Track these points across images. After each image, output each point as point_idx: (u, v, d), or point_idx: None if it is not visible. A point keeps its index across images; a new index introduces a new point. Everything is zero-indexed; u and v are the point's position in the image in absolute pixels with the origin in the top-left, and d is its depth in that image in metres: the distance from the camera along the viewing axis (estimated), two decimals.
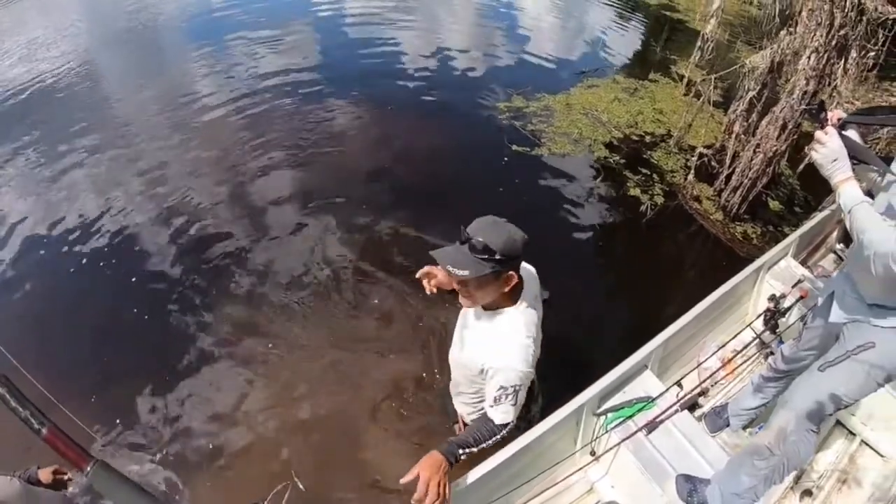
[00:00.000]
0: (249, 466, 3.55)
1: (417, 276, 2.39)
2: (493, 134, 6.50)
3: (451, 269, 1.91)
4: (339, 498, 3.38)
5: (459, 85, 7.78)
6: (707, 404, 3.31)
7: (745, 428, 3.11)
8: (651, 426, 2.63)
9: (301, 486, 3.29)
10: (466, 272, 1.89)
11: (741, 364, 3.47)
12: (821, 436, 2.98)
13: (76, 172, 6.24)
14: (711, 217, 5.49)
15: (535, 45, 9.03)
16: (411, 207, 5.40)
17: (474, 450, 2.08)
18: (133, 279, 4.77)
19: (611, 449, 2.66)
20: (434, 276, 2.37)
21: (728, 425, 3.11)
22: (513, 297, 2.07)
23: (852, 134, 2.05)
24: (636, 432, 2.59)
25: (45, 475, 2.73)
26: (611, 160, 6.11)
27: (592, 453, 2.72)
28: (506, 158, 6.09)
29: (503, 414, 2.07)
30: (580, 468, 2.79)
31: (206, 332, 4.28)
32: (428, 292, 2.38)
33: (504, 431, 2.11)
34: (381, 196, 5.56)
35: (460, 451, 2.03)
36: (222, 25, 9.81)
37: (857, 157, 1.99)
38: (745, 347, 3.27)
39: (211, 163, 6.16)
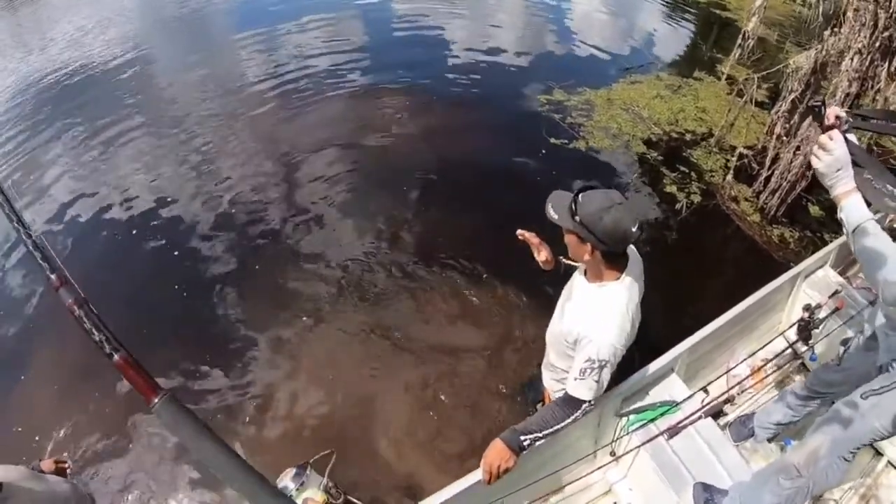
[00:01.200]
0: (298, 430, 3.78)
1: (518, 233, 2.43)
2: (531, 126, 6.52)
3: (549, 207, 2.05)
4: (379, 471, 3.54)
5: (502, 76, 7.83)
6: (733, 413, 3.25)
7: (770, 440, 3.02)
8: (673, 431, 2.55)
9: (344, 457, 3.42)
10: (556, 216, 2.02)
11: (771, 373, 3.40)
12: None
13: (125, 150, 6.61)
14: (749, 219, 5.38)
15: (581, 39, 8.96)
16: (448, 196, 5.56)
17: (539, 435, 2.08)
18: (197, 248, 5.17)
19: (631, 451, 2.62)
20: (541, 251, 2.45)
21: (753, 436, 3.04)
22: (618, 271, 2.08)
23: (853, 139, 1.77)
24: (657, 436, 2.54)
25: (46, 465, 3.04)
26: (648, 157, 6.04)
27: (612, 454, 2.69)
28: (543, 151, 6.09)
29: (585, 389, 2.04)
30: (599, 467, 2.74)
31: (269, 302, 4.60)
32: (541, 261, 2.46)
33: (578, 412, 2.08)
34: (419, 183, 5.73)
35: (522, 438, 2.07)
36: (270, 12, 10.08)
37: (860, 167, 1.72)
38: (776, 357, 3.17)
39: (260, 143, 6.49)
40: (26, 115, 7.70)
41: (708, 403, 2.64)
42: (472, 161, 6.04)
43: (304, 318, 4.44)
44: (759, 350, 3.19)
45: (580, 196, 1.96)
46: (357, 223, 5.27)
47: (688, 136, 6.39)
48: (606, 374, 2.02)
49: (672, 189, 5.61)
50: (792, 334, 3.26)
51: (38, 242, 1.10)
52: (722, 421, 3.13)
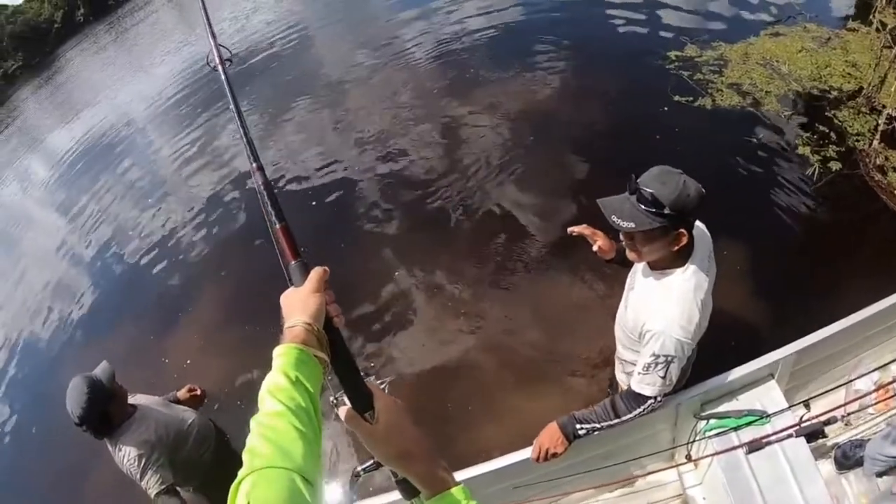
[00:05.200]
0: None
1: (569, 230, 2.37)
2: (656, 83, 6.35)
3: (615, 219, 1.82)
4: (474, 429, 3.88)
5: (632, 31, 7.76)
6: (836, 436, 2.80)
7: (879, 475, 2.52)
8: (755, 445, 2.17)
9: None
10: (631, 224, 1.78)
11: None
12: None
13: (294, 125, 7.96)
14: None
15: None
16: (565, 152, 5.86)
17: (597, 426, 2.06)
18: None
19: (705, 457, 2.44)
20: (596, 240, 2.32)
21: (859, 465, 2.61)
22: (682, 257, 1.94)
23: None
24: (735, 448, 2.26)
25: (181, 393, 3.70)
26: (781, 115, 5.61)
27: (688, 457, 2.49)
28: (665, 108, 5.93)
29: (648, 386, 1.97)
30: (672, 466, 2.66)
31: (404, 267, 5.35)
32: (595, 249, 2.36)
33: (641, 408, 2.02)
34: (542, 141, 6.19)
35: (578, 426, 2.08)
36: None
37: None
38: None
39: (415, 113, 7.64)
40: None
41: (806, 421, 2.15)
42: (590, 120, 6.25)
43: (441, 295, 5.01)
44: (892, 363, 2.59)
45: (644, 188, 1.77)
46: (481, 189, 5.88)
47: (832, 94, 5.83)
48: (674, 370, 1.94)
49: (804, 151, 5.14)
50: None
51: (247, 132, 1.44)
52: (816, 444, 2.42)
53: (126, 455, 2.96)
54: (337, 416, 1.08)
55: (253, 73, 11.62)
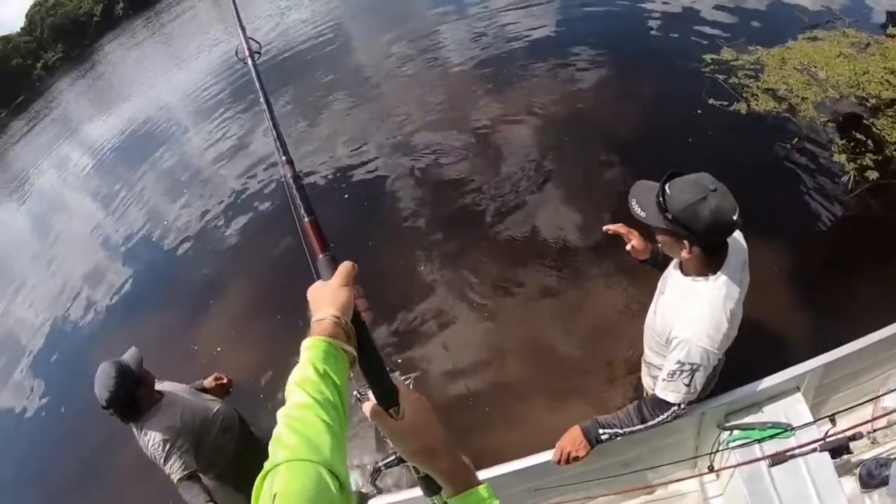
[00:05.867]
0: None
1: (605, 228, 2.38)
2: (691, 86, 6.30)
3: (633, 203, 1.86)
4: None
5: (669, 33, 7.73)
6: (861, 453, 2.69)
7: None
8: (778, 458, 2.14)
9: None
10: (643, 214, 1.83)
11: None
12: None
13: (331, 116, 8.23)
14: None
15: None
16: (596, 152, 5.90)
17: (619, 432, 2.06)
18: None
19: (727, 468, 2.39)
20: (630, 238, 2.34)
21: (884, 485, 2.49)
22: (714, 265, 1.91)
23: None
24: (759, 460, 2.22)
25: (208, 382, 3.75)
26: (817, 122, 5.50)
27: (711, 468, 2.45)
28: (699, 111, 5.87)
29: (672, 393, 1.96)
30: (693, 476, 2.62)
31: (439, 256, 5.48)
32: (628, 248, 2.37)
33: (665, 415, 2.01)
34: (575, 141, 6.23)
35: (601, 431, 2.08)
36: None
37: None
38: None
39: (450, 113, 7.70)
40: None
41: (832, 435, 2.11)
42: (622, 120, 6.19)
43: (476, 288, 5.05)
44: None
45: (668, 187, 1.77)
46: (524, 187, 5.88)
47: (871, 102, 5.70)
48: (699, 378, 1.92)
49: (840, 159, 5.03)
50: None
51: (277, 125, 1.43)
52: (841, 460, 2.31)
53: (151, 440, 3.02)
54: (359, 410, 1.09)
55: (286, 68, 11.88)
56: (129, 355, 3.13)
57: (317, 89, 10.26)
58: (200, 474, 3.09)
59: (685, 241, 1.81)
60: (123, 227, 9.83)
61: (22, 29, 74.93)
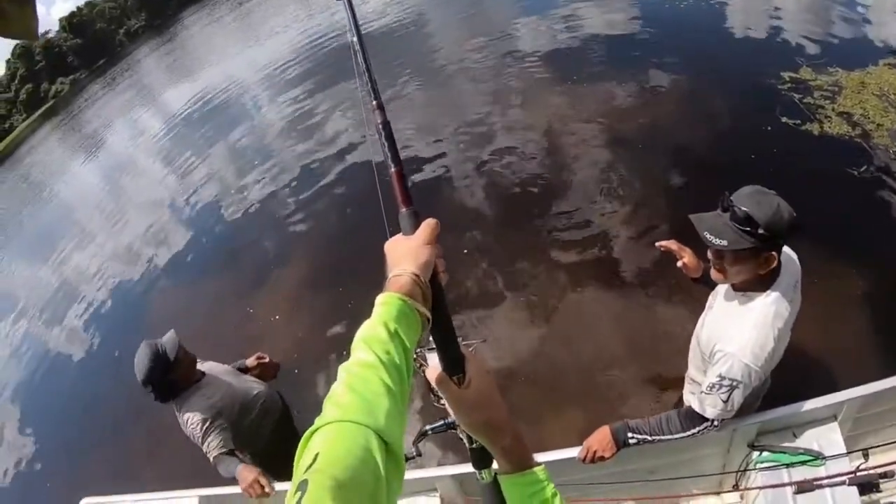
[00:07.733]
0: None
1: (657, 244, 2.37)
2: (765, 101, 6.14)
3: (708, 236, 1.80)
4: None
5: (749, 47, 7.56)
6: (891, 494, 2.46)
7: None
8: (805, 486, 2.07)
9: None
10: (724, 242, 1.77)
11: None
12: None
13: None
14: None
15: (848, 13, 7.95)
16: (661, 164, 5.81)
17: (648, 438, 2.05)
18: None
19: (752, 489, 2.33)
20: (682, 255, 2.31)
21: None
22: (767, 282, 1.88)
23: None
24: (784, 485, 2.14)
25: (250, 361, 3.86)
26: (891, 150, 5.32)
27: (735, 486, 2.42)
28: (769, 127, 5.74)
29: (709, 407, 1.93)
30: (717, 492, 2.58)
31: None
32: (680, 265, 2.35)
33: (697, 429, 1.99)
34: (643, 151, 6.12)
35: (630, 435, 2.08)
36: None
37: None
38: None
39: (522, 117, 7.65)
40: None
41: (863, 471, 2.06)
42: (691, 132, 6.19)
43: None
44: None
45: (736, 206, 1.74)
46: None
47: None
48: (738, 396, 1.89)
49: None
50: None
51: (370, 66, 1.27)
52: (869, 497, 2.21)
53: (190, 419, 3.13)
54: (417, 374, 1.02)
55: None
56: (166, 338, 3.25)
57: (393, 72, 10.38)
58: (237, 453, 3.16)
59: (771, 253, 1.78)
60: (192, 190, 10.28)
61: None
